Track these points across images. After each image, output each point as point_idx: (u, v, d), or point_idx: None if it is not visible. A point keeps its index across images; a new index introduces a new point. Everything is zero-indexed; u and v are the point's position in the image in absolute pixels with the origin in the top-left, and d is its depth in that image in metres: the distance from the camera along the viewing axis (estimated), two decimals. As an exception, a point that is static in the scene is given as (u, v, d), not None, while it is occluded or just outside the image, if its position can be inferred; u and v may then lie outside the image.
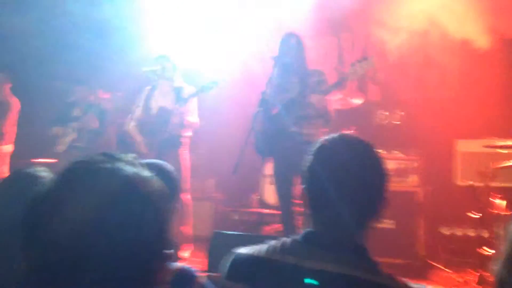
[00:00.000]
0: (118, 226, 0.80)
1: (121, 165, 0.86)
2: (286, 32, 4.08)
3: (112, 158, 0.87)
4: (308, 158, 1.27)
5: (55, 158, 5.03)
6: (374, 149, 1.28)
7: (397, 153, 5.06)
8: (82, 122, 5.07)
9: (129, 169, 0.86)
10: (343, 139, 1.29)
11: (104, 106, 5.17)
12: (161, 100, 4.67)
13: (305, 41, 4.12)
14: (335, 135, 1.30)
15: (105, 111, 5.17)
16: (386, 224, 4.46)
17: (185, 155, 4.63)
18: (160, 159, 4.60)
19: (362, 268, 1.16)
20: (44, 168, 1.46)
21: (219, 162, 5.60)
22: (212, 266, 3.09)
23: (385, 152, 5.04)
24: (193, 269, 1.63)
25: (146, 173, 0.88)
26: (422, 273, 4.19)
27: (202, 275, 1.57)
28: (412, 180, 4.81)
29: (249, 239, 1.35)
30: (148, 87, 4.79)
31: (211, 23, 5.74)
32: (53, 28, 5.38)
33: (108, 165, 0.85)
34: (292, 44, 3.97)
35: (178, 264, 1.59)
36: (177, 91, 4.64)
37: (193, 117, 4.67)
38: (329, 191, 1.20)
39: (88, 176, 0.83)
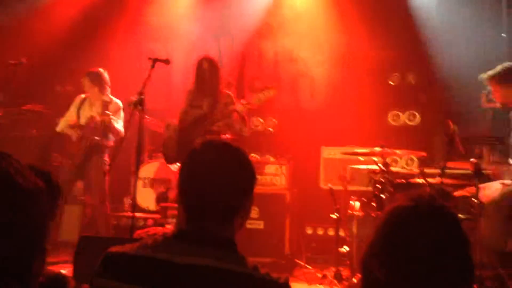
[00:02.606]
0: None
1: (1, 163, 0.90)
2: (200, 56, 4.64)
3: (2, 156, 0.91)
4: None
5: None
6: (241, 152, 1.36)
7: (269, 158, 5.32)
8: None
9: (9, 166, 0.90)
10: (211, 143, 1.39)
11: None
12: (89, 110, 5.00)
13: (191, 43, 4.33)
14: (207, 141, 1.39)
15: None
16: (255, 225, 4.69)
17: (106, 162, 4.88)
18: (85, 163, 4.80)
19: (229, 261, 1.22)
20: None
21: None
22: (78, 271, 2.94)
23: (257, 156, 5.27)
24: (64, 275, 1.58)
25: (26, 171, 0.92)
26: (287, 270, 4.44)
27: (73, 282, 1.51)
28: (281, 183, 5.09)
29: (119, 243, 1.32)
30: (82, 96, 5.08)
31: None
32: None
33: None
34: (205, 68, 4.46)
35: (50, 270, 1.52)
36: (105, 104, 4.94)
37: (118, 128, 4.95)
38: (195, 189, 1.29)
39: None
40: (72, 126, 4.99)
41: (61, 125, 5.11)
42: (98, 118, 4.84)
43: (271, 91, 4.30)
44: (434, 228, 1.14)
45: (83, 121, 4.98)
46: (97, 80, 4.99)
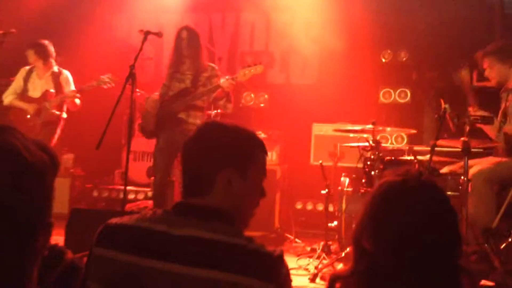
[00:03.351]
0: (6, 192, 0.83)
1: (7, 137, 0.87)
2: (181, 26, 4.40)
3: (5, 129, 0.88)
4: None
5: None
6: (236, 129, 1.38)
7: (260, 134, 5.32)
8: None
9: (15, 140, 0.88)
10: (213, 123, 1.44)
11: None
12: (39, 82, 4.86)
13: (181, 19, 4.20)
14: (211, 121, 1.44)
15: None
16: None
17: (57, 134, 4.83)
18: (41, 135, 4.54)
19: (224, 233, 1.24)
20: None
21: (79, 136, 5.31)
22: (69, 243, 2.95)
23: (256, 133, 5.26)
24: (61, 246, 1.58)
25: (31, 145, 0.90)
26: (276, 244, 4.52)
27: (70, 253, 1.52)
28: (272, 158, 5.12)
29: (111, 216, 1.34)
30: (26, 68, 4.94)
31: None
32: None
33: None
34: (184, 37, 4.22)
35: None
36: (55, 75, 4.85)
37: (77, 102, 4.86)
38: (184, 165, 1.36)
39: None
40: (25, 100, 4.85)
41: (9, 98, 4.91)
42: (53, 91, 4.79)
43: (258, 67, 4.09)
44: (421, 202, 1.17)
45: (33, 93, 4.87)
46: (43, 52, 4.86)
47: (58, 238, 3.73)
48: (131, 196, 5.19)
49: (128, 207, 4.94)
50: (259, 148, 1.41)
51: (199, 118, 4.21)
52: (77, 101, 4.89)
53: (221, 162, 1.33)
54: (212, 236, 1.23)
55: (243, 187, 1.35)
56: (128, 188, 5.24)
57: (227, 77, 4.15)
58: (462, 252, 1.22)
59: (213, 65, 4.39)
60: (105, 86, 4.70)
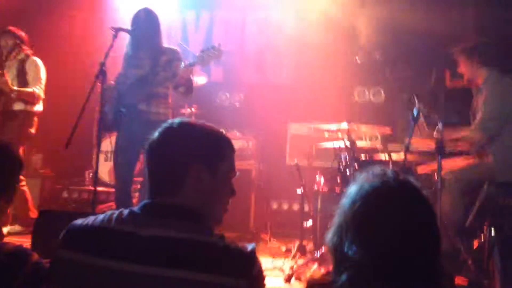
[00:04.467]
0: None
1: None
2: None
3: None
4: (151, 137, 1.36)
5: None
6: (201, 129, 1.37)
7: (236, 133, 5.27)
8: None
9: None
10: (179, 121, 1.38)
11: None
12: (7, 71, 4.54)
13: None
14: (178, 119, 1.39)
15: None
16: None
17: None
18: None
19: (192, 231, 1.22)
20: None
21: (48, 135, 5.16)
22: (37, 246, 2.85)
23: (224, 132, 5.20)
24: (25, 248, 1.52)
25: None
26: (252, 245, 4.47)
27: (35, 255, 1.45)
28: (247, 158, 5.07)
29: (81, 217, 1.31)
30: None
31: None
32: None
33: None
34: (141, 18, 3.86)
35: (9, 243, 1.45)
36: (20, 62, 4.57)
37: (31, 91, 4.54)
38: (150, 163, 1.34)
39: None
40: None
41: None
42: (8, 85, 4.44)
43: (217, 49, 3.62)
44: (404, 204, 1.15)
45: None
46: (12, 38, 4.63)
47: (26, 240, 3.62)
48: (102, 198, 5.07)
49: (99, 208, 4.82)
50: (227, 145, 1.40)
51: (162, 107, 3.84)
52: (36, 90, 4.53)
53: (190, 159, 1.31)
54: (181, 235, 1.20)
55: (213, 184, 1.33)
56: (99, 189, 5.14)
57: (185, 61, 3.80)
58: (441, 251, 1.21)
59: (174, 48, 3.99)
60: None
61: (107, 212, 1.29)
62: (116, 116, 3.85)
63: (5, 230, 4.28)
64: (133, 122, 3.75)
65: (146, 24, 3.85)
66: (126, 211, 1.28)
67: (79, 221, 1.28)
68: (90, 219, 1.27)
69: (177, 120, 1.40)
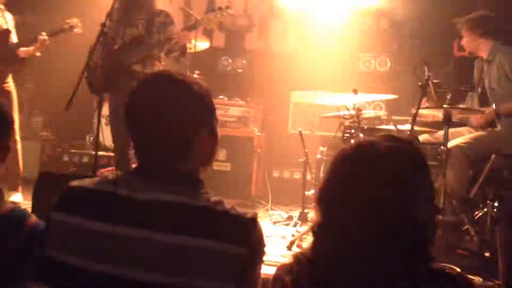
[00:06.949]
0: None
1: None
2: None
3: None
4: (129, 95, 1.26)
5: None
6: (198, 87, 1.25)
7: (237, 100, 5.20)
8: None
9: None
10: (163, 75, 1.27)
11: None
12: None
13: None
14: (157, 72, 1.32)
15: None
16: (223, 167, 4.66)
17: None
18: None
19: (189, 196, 1.17)
20: None
21: (48, 97, 5.09)
22: (37, 208, 2.84)
23: (225, 98, 5.15)
24: (23, 209, 1.49)
25: None
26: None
27: (34, 216, 1.43)
28: (250, 126, 5.03)
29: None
30: None
31: None
32: None
33: None
34: None
35: (7, 205, 1.42)
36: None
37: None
38: (140, 123, 1.23)
39: None
40: None
41: None
42: None
43: (224, 11, 3.57)
44: (391, 164, 1.09)
45: None
46: None
47: (27, 202, 3.61)
48: (102, 162, 5.04)
49: (100, 173, 4.81)
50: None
51: (156, 69, 3.70)
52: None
53: (197, 124, 1.22)
54: (179, 199, 1.15)
55: (214, 145, 1.27)
56: (100, 153, 5.12)
57: (182, 28, 3.72)
58: (435, 224, 1.17)
59: (166, 11, 3.88)
60: (75, 30, 4.25)
61: (104, 175, 1.26)
62: (108, 78, 3.71)
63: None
64: (126, 84, 3.51)
65: None
66: (122, 175, 1.24)
67: (75, 183, 1.23)
68: (87, 181, 1.23)
69: (160, 73, 1.30)
